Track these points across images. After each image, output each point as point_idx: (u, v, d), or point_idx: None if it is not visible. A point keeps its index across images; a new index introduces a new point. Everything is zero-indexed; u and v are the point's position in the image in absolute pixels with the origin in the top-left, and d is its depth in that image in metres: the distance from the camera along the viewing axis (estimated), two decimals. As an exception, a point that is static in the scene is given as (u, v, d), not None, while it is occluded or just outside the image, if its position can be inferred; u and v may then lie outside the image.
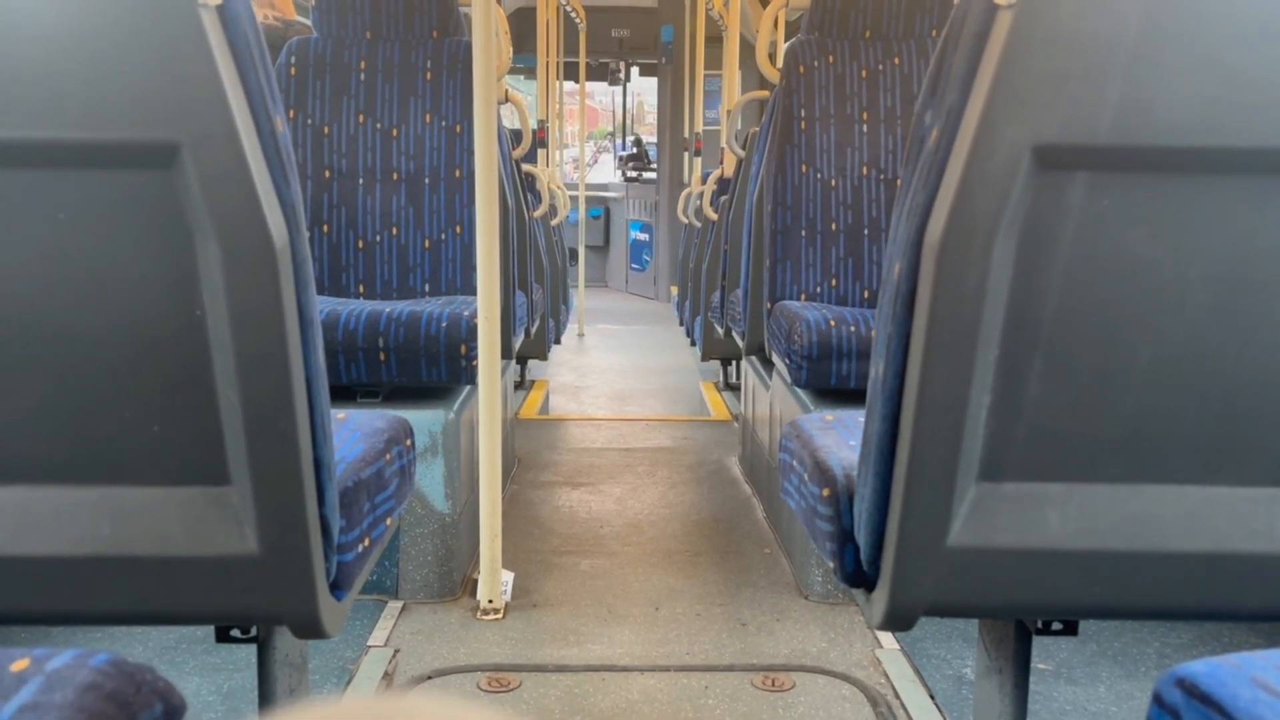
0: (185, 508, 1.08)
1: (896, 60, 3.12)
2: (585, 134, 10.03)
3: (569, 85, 9.75)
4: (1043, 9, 0.98)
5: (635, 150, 11.32)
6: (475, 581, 2.56)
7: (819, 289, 3.05)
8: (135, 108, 0.96)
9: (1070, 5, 0.98)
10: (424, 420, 2.53)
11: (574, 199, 8.21)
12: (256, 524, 1.07)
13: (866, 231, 3.04)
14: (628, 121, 12.78)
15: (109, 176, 0.99)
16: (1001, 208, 1.01)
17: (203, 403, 1.04)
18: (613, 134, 14.06)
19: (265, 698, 1.38)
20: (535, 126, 5.65)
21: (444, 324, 2.50)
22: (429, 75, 3.07)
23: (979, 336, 1.04)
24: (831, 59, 3.11)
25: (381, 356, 2.49)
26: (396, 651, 2.30)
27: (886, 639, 2.38)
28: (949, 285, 1.03)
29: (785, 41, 5.23)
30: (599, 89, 13.51)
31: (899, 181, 1.19)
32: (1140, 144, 1.00)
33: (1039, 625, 1.32)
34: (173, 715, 0.71)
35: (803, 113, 3.08)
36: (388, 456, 1.43)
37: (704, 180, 5.76)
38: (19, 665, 0.69)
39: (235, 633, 1.27)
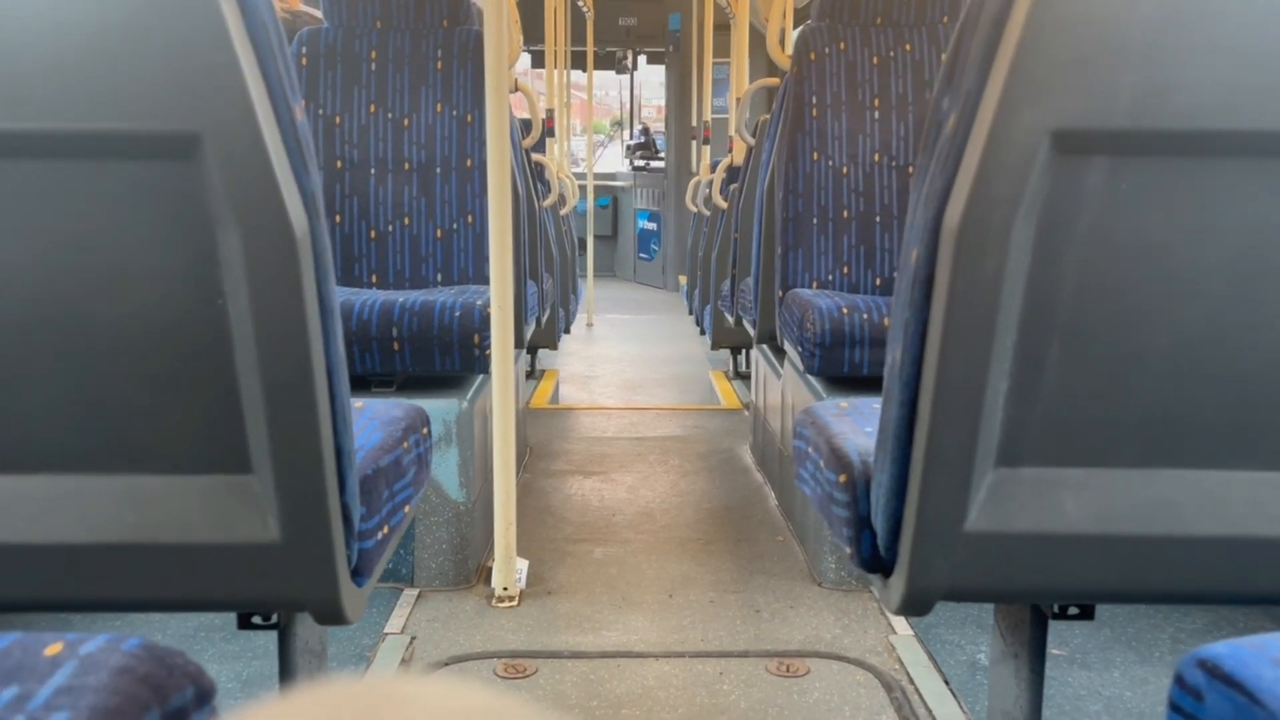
0: (207, 496, 1.09)
1: (908, 47, 3.11)
2: (592, 123, 10.01)
3: (576, 77, 9.74)
4: (1060, -7, 0.98)
5: (643, 139, 11.31)
6: (490, 569, 2.57)
7: (831, 276, 3.05)
8: (156, 98, 0.97)
9: None
10: (438, 409, 2.54)
11: (582, 188, 8.21)
12: (278, 512, 1.08)
13: (878, 219, 3.03)
14: (634, 111, 12.76)
15: (130, 167, 1.00)
16: (1020, 193, 1.01)
17: (224, 391, 1.05)
18: (619, 124, 14.01)
19: (286, 684, 1.39)
20: (543, 115, 5.66)
21: (457, 313, 2.51)
22: (440, 64, 3.07)
23: (997, 322, 1.04)
24: (843, 45, 3.11)
25: (395, 346, 2.50)
26: (413, 639, 2.31)
27: (900, 625, 2.38)
28: (967, 271, 1.03)
29: (794, 28, 5.21)
30: (601, 81, 13.45)
31: (911, 168, 1.19)
32: (1158, 128, 1.00)
33: (1055, 610, 1.33)
34: (203, 698, 0.72)
35: (814, 99, 3.07)
36: (405, 445, 1.44)
37: (713, 169, 5.75)
38: (52, 649, 0.70)
39: (257, 619, 1.29)
